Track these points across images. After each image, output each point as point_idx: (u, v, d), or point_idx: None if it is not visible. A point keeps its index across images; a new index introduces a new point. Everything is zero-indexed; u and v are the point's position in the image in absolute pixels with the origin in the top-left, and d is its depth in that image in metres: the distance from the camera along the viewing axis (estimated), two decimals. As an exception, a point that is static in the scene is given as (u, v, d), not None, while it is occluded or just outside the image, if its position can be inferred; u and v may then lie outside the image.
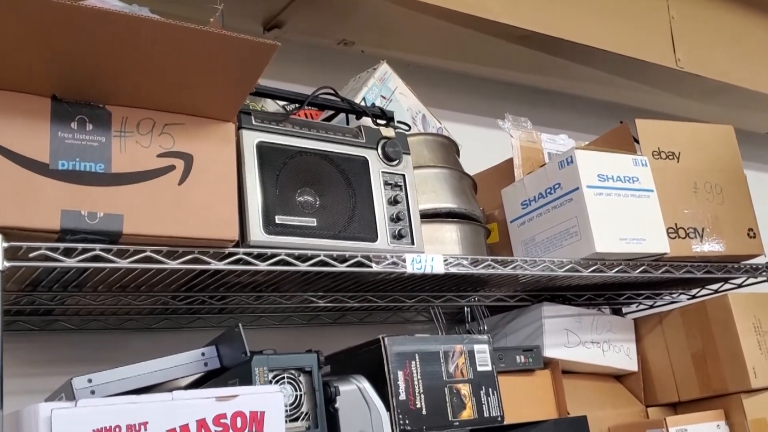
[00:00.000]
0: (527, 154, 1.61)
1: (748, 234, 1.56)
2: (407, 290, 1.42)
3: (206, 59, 0.92)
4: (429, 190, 1.37)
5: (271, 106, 1.33)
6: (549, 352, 1.49)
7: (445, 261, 1.21)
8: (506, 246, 1.56)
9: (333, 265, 1.10)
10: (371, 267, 1.14)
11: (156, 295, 1.18)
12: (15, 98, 0.88)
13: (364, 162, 1.21)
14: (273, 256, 1.05)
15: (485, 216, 1.62)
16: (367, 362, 1.25)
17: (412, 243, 1.22)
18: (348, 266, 1.12)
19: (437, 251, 1.29)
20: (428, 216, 1.34)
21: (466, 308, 1.65)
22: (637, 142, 1.52)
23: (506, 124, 1.62)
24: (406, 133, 1.33)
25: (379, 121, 1.31)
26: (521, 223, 1.51)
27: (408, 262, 1.17)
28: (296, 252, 1.07)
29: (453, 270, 1.22)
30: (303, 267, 1.08)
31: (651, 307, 1.90)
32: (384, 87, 1.52)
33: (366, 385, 1.19)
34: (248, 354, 0.99)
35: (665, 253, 1.43)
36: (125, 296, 1.16)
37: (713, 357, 1.51)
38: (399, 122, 1.33)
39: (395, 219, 1.21)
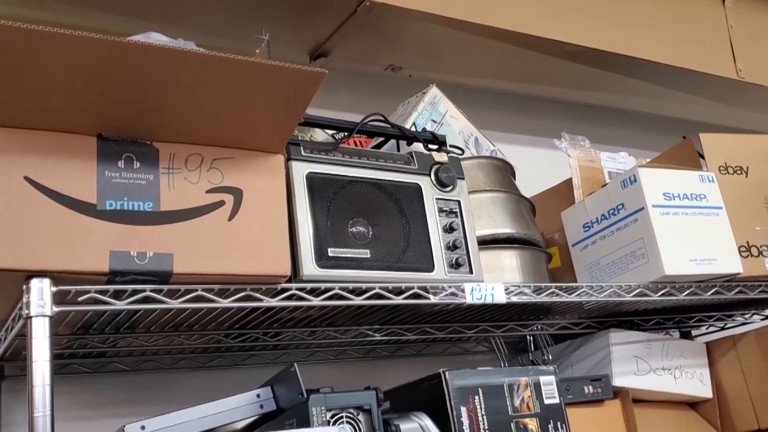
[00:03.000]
0: (587, 173, 1.55)
1: (827, 250, 1.47)
2: (467, 320, 1.37)
3: (253, 91, 0.90)
4: (485, 215, 1.32)
5: (321, 135, 1.30)
6: (618, 381, 1.42)
7: (506, 290, 1.16)
8: (569, 271, 1.49)
9: (389, 298, 1.06)
10: (429, 299, 1.09)
11: (209, 333, 1.15)
12: (61, 139, 0.86)
13: (417, 189, 1.17)
14: (326, 290, 1.01)
15: (545, 240, 1.56)
16: (428, 398, 1.19)
17: (471, 272, 1.16)
18: (404, 299, 1.07)
19: (497, 279, 1.23)
20: (486, 242, 1.29)
21: (528, 337, 1.59)
22: (702, 157, 1.45)
23: (563, 144, 1.57)
24: (460, 157, 1.29)
25: (431, 146, 1.26)
26: (584, 246, 1.45)
27: (467, 292, 1.12)
28: (350, 285, 1.03)
29: (515, 299, 1.16)
30: (358, 301, 1.04)
31: (722, 329, 1.81)
32: (434, 111, 1.48)
33: (428, 422, 1.14)
34: (305, 394, 0.95)
35: (738, 273, 1.35)
36: (178, 336, 1.13)
37: (794, 380, 1.42)
38: (452, 146, 1.29)
39: (452, 247, 1.16)
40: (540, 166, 1.78)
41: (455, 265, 1.15)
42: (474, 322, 1.38)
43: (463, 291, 1.12)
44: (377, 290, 1.05)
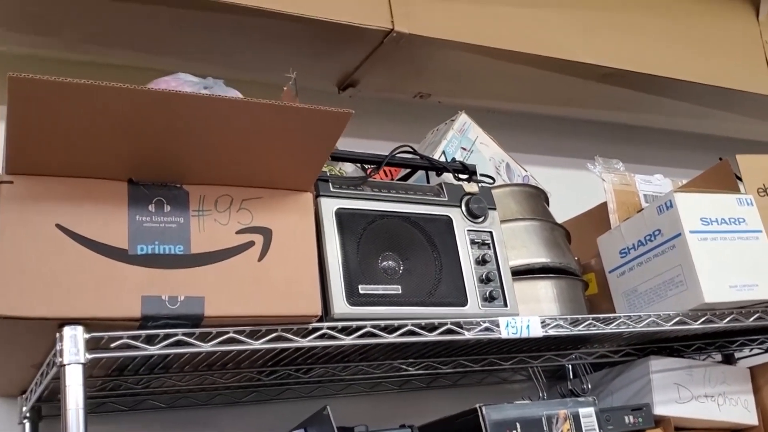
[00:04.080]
0: (622, 197, 1.53)
1: None
2: (503, 352, 1.35)
3: (281, 132, 0.90)
4: (519, 245, 1.30)
5: (349, 167, 1.30)
6: (660, 410, 1.38)
7: (542, 323, 1.14)
8: (606, 297, 1.47)
9: (422, 335, 1.05)
10: (463, 334, 1.07)
11: (243, 371, 1.15)
12: (92, 185, 0.87)
13: (448, 221, 1.16)
14: (358, 328, 1.00)
15: (581, 266, 1.54)
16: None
17: (505, 305, 1.15)
18: (438, 335, 1.06)
19: (532, 311, 1.22)
20: (520, 273, 1.27)
21: (567, 366, 1.56)
22: (740, 179, 1.42)
23: (597, 168, 1.55)
24: (491, 186, 1.27)
25: (461, 176, 1.25)
26: (621, 273, 1.42)
27: (502, 326, 1.10)
28: (382, 323, 1.02)
29: (552, 332, 1.14)
30: (390, 339, 1.02)
31: (766, 351, 1.76)
32: (464, 138, 1.47)
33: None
34: (337, 438, 0.94)
35: (781, 299, 1.31)
36: (211, 375, 1.13)
37: None
38: (482, 175, 1.27)
39: (485, 280, 1.14)
40: (574, 189, 1.76)
41: (489, 299, 1.14)
42: (510, 353, 1.36)
43: (497, 325, 1.10)
44: (410, 327, 1.04)
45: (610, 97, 1.87)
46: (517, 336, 1.11)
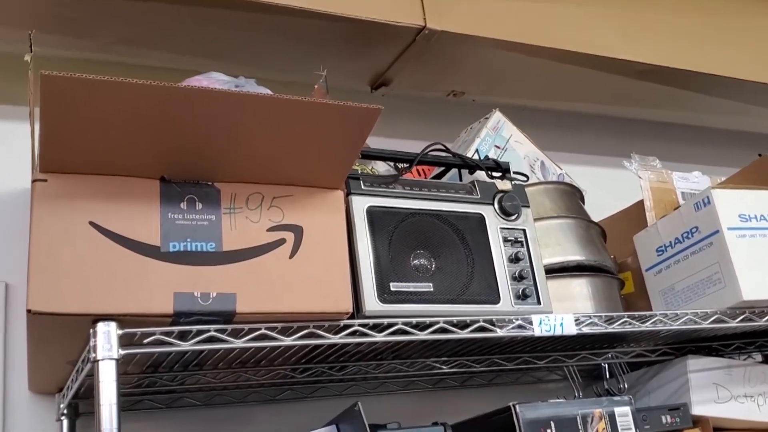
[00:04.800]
0: (659, 195, 1.51)
1: None
2: (537, 351, 1.34)
3: (311, 129, 0.90)
4: (553, 243, 1.29)
5: (382, 166, 1.30)
6: (698, 410, 1.36)
7: (576, 321, 1.13)
8: (643, 296, 1.44)
9: (453, 332, 1.04)
10: (495, 332, 1.07)
11: (276, 369, 1.15)
12: (124, 183, 0.88)
13: (481, 219, 1.15)
14: (390, 326, 1.00)
15: (617, 265, 1.52)
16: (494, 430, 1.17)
17: (539, 302, 1.14)
18: (470, 332, 1.05)
19: (567, 309, 1.20)
20: (555, 271, 1.26)
21: (603, 365, 1.54)
22: (780, 175, 1.39)
23: (633, 165, 1.53)
24: (524, 183, 1.26)
25: (494, 174, 1.24)
26: (658, 271, 1.40)
27: (535, 324, 1.09)
28: (414, 320, 1.02)
29: (586, 330, 1.13)
30: (422, 336, 1.02)
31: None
32: (498, 136, 1.46)
33: (501, 456, 1.12)
34: (369, 434, 0.94)
35: (823, 296, 1.28)
36: (245, 372, 1.14)
37: None
38: (515, 173, 1.26)
39: (518, 278, 1.13)
40: (610, 187, 1.74)
41: (522, 296, 1.13)
42: (545, 352, 1.35)
43: (530, 323, 1.09)
44: (441, 324, 1.03)
45: (647, 94, 1.85)
46: (551, 334, 1.10)
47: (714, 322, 1.23)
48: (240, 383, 1.21)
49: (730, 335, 1.46)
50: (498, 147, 1.45)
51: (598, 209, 1.58)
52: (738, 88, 1.82)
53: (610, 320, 1.16)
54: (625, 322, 1.17)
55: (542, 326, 1.10)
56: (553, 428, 1.15)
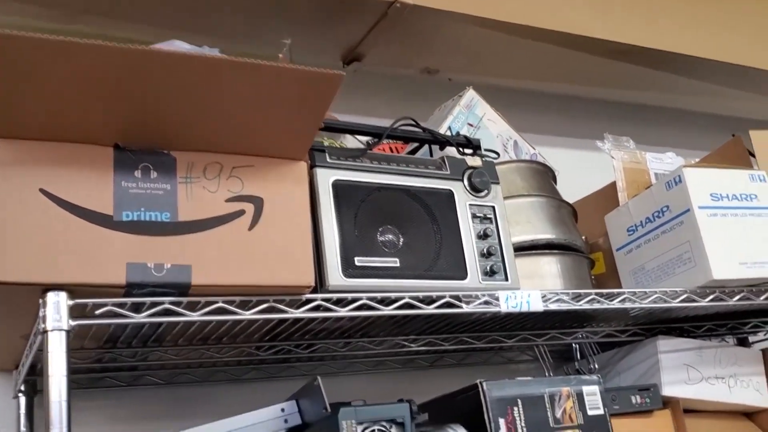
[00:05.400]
0: (632, 176, 1.49)
1: None
2: (506, 329, 1.32)
3: (270, 95, 0.87)
4: (523, 220, 1.27)
5: (351, 142, 1.28)
6: (668, 391, 1.35)
7: (543, 297, 1.11)
8: (614, 276, 1.43)
9: (420, 308, 1.02)
10: (461, 308, 1.05)
11: (239, 346, 1.13)
12: (76, 150, 0.85)
13: (450, 195, 1.13)
14: (354, 300, 0.98)
15: (589, 245, 1.51)
16: (466, 409, 1.15)
17: (506, 279, 1.12)
18: (436, 308, 1.03)
19: (536, 286, 1.19)
20: (524, 249, 1.24)
21: (574, 345, 1.53)
22: (753, 155, 1.38)
23: (606, 145, 1.51)
24: (495, 161, 1.24)
25: (464, 150, 1.22)
26: (628, 251, 1.39)
27: (501, 300, 1.07)
28: (379, 295, 1.00)
29: (553, 307, 1.11)
30: (387, 311, 1.00)
31: (781, 335, 1.72)
32: (471, 114, 1.44)
33: (463, 433, 1.11)
34: (328, 409, 0.92)
35: (793, 277, 1.28)
36: (207, 349, 1.12)
37: None
38: (486, 150, 1.25)
39: (486, 254, 1.12)
40: (584, 169, 1.72)
41: (490, 273, 1.11)
42: (514, 330, 1.34)
43: (497, 299, 1.07)
44: (407, 300, 1.02)
45: (622, 75, 1.83)
46: (517, 310, 1.08)
47: (683, 301, 1.22)
48: (204, 361, 1.19)
49: (701, 316, 1.46)
50: (471, 125, 1.43)
51: (572, 190, 1.57)
52: (714, 70, 1.81)
53: (577, 297, 1.14)
54: (593, 299, 1.16)
55: (509, 302, 1.08)
56: (521, 406, 1.13)
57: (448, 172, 1.15)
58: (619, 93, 1.98)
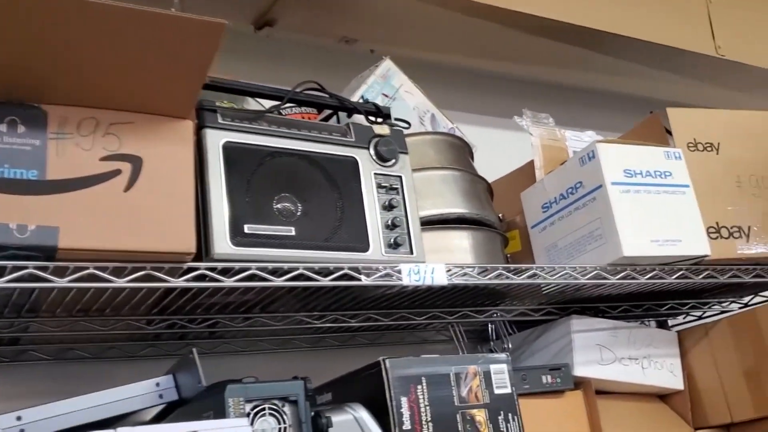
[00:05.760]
0: (550, 153, 1.46)
1: (803, 232, 1.38)
2: (416, 306, 1.28)
3: (149, 45, 0.81)
4: (434, 194, 1.23)
5: (255, 107, 1.21)
6: (580, 371, 1.33)
7: (448, 271, 1.07)
8: (530, 254, 1.41)
9: (315, 280, 0.97)
10: (361, 280, 1.00)
11: (124, 319, 1.06)
12: (-70, 98, 0.77)
13: (354, 163, 1.08)
14: (242, 270, 0.92)
15: (505, 223, 1.48)
16: (369, 388, 1.11)
17: (411, 252, 1.08)
18: (332, 280, 0.98)
19: (444, 261, 1.15)
20: (434, 222, 1.20)
21: (490, 325, 1.50)
22: (670, 133, 1.36)
23: (525, 121, 1.48)
24: (410, 132, 1.20)
25: (374, 118, 1.17)
26: (542, 228, 1.36)
27: (404, 273, 1.03)
28: (270, 265, 0.94)
29: (458, 281, 1.07)
30: (278, 282, 0.95)
31: (700, 318, 1.72)
32: (387, 85, 1.39)
33: (364, 414, 1.06)
34: (203, 384, 0.86)
35: (705, 256, 1.26)
36: (89, 322, 1.05)
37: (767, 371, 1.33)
38: (397, 119, 1.20)
39: (391, 226, 1.07)
40: (506, 148, 1.70)
41: (394, 245, 1.07)
42: (424, 307, 1.29)
43: (399, 272, 1.03)
44: (301, 271, 0.96)
45: (547, 52, 1.81)
46: (420, 283, 1.04)
47: (593, 278, 1.19)
48: (92, 335, 1.12)
49: (616, 296, 1.44)
50: (386, 96, 1.38)
51: (492, 169, 1.54)
52: (639, 49, 1.79)
53: (484, 272, 1.11)
54: (500, 274, 1.12)
55: (411, 276, 1.04)
56: (425, 385, 1.09)
57: (353, 140, 1.09)
58: (543, 71, 1.95)
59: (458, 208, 1.23)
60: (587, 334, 1.38)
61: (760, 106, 2.09)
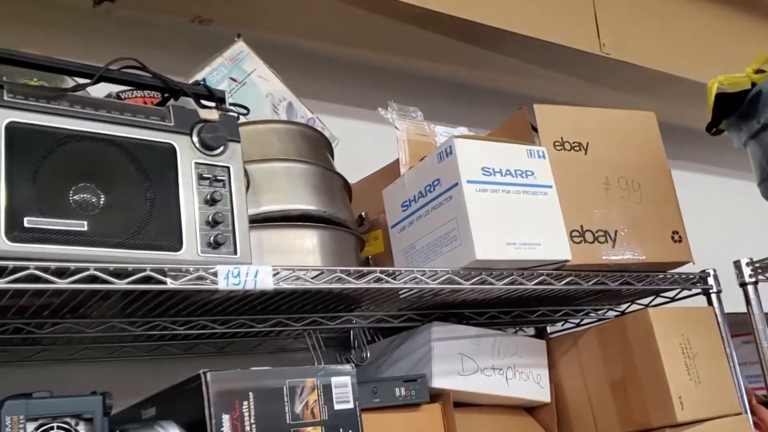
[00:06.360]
0: (417, 149, 1.37)
1: (672, 238, 1.33)
2: (257, 312, 1.16)
3: None
4: (276, 188, 1.12)
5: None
6: (438, 382, 1.24)
7: (276, 274, 0.96)
8: (391, 256, 1.31)
9: (109, 282, 0.84)
10: (166, 283, 0.88)
11: None
12: None
13: (171, 151, 0.96)
14: (18, 270, 0.79)
15: (369, 222, 1.38)
16: (189, 404, 0.99)
17: (235, 252, 0.96)
18: (130, 283, 0.86)
19: (286, 263, 1.03)
20: (274, 220, 1.09)
21: (353, 332, 1.41)
22: (536, 130, 1.29)
23: (390, 114, 1.38)
24: (254, 120, 1.09)
25: (205, 102, 1.06)
26: (402, 228, 1.27)
27: (220, 276, 0.91)
28: (53, 265, 0.81)
29: (288, 286, 0.96)
30: (62, 284, 0.82)
31: (578, 326, 1.66)
32: (236, 68, 1.28)
33: (176, 433, 0.94)
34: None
35: (566, 261, 1.18)
36: None
37: (634, 384, 1.26)
38: (234, 105, 1.08)
39: (212, 223, 0.95)
40: (380, 144, 1.60)
41: (214, 245, 0.95)
42: (268, 314, 1.18)
43: (215, 275, 0.91)
44: (92, 272, 0.83)
45: (421, 43, 1.71)
46: (240, 288, 0.92)
47: (444, 282, 1.10)
48: None
49: (482, 302, 1.35)
50: (234, 80, 1.26)
51: (365, 166, 1.44)
52: (519, 45, 1.72)
53: (319, 275, 1.00)
54: (339, 278, 1.02)
55: (230, 279, 0.92)
56: (252, 400, 0.98)
57: (173, 124, 0.97)
58: (417, 64, 1.86)
59: (302, 204, 1.12)
60: (448, 342, 1.29)
61: (644, 108, 2.06)
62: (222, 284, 0.91)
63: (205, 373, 0.96)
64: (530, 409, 1.41)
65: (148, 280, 0.87)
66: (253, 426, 0.97)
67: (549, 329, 1.71)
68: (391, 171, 1.41)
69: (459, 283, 1.10)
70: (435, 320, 1.31)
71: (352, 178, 1.46)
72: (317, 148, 1.23)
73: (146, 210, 0.91)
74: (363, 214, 1.38)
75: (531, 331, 1.72)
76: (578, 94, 1.97)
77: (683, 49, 1.97)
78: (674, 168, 1.40)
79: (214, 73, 1.23)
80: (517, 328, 1.68)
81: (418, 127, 1.40)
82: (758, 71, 1.35)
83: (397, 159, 1.39)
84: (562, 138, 1.29)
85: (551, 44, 1.72)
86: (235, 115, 1.05)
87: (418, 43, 1.70)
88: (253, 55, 1.31)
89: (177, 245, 0.92)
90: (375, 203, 1.37)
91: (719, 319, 1.34)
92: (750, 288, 1.36)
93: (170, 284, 0.88)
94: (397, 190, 1.28)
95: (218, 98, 1.06)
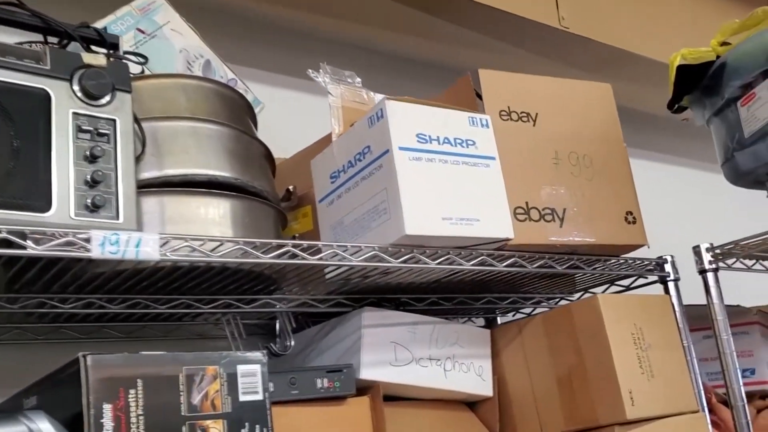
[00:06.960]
0: (352, 117, 1.24)
1: (626, 218, 1.21)
2: (158, 292, 1.03)
3: None
4: (179, 149, 0.98)
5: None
6: (367, 373, 1.12)
7: (164, 244, 0.82)
8: (319, 234, 1.18)
9: (-51, 245, 0.71)
10: (25, 248, 0.74)
11: None
12: None
13: (45, 97, 0.82)
14: None
15: (297, 197, 1.25)
16: (68, 392, 0.85)
17: (117, 217, 0.83)
18: (-21, 246, 0.72)
19: (180, 232, 0.90)
20: (174, 185, 0.95)
21: (279, 318, 1.28)
22: (481, 98, 1.17)
23: (321, 77, 1.25)
24: (159, 73, 0.95)
25: (95, 48, 0.92)
26: (330, 201, 1.14)
27: (94, 242, 0.77)
28: None
29: (175, 256, 0.83)
30: None
31: (530, 315, 1.54)
32: (146, 19, 1.14)
33: (45, 426, 0.81)
34: None
35: (508, 239, 1.06)
36: None
37: (581, 378, 1.15)
38: (129, 53, 0.95)
39: (91, 182, 0.82)
40: (312, 117, 1.47)
41: (92, 207, 0.81)
42: (170, 294, 1.04)
43: (88, 240, 0.78)
44: (-75, 232, 0.70)
45: (370, 10, 1.59)
46: (118, 257, 0.79)
47: (368, 259, 0.97)
48: None
49: (420, 287, 1.23)
50: (141, 31, 1.12)
51: (302, 139, 1.32)
52: (473, 14, 1.60)
53: (218, 246, 0.87)
54: (244, 252, 0.88)
55: (106, 246, 0.78)
56: (140, 389, 0.85)
57: (49, 68, 0.83)
58: (368, 35, 1.73)
59: (210, 170, 0.99)
60: (380, 330, 1.16)
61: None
62: (96, 252, 0.77)
63: (84, 356, 0.83)
64: (471, 403, 1.29)
65: (7, 244, 0.73)
66: (141, 418, 0.84)
67: (500, 320, 1.60)
68: (325, 143, 1.29)
69: (387, 261, 0.98)
70: (367, 306, 1.19)
71: (286, 154, 1.34)
72: (234, 110, 1.10)
73: (9, 164, 0.77)
74: (290, 188, 1.25)
75: (480, 321, 1.61)
76: (532, 70, 1.85)
77: (646, 27, 1.87)
78: (631, 156, 1.30)
79: (118, 23, 1.09)
80: (466, 318, 1.57)
81: (354, 94, 1.27)
82: (723, 44, 1.24)
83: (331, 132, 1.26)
84: (509, 107, 1.17)
85: (507, 14, 1.61)
86: (130, 63, 0.91)
87: (372, 12, 1.57)
88: (167, 6, 1.17)
89: (45, 206, 0.78)
90: (308, 180, 1.24)
91: (676, 309, 1.23)
92: (710, 275, 1.25)
93: (30, 249, 0.74)
94: (325, 160, 1.15)
95: (111, 44, 0.93)
